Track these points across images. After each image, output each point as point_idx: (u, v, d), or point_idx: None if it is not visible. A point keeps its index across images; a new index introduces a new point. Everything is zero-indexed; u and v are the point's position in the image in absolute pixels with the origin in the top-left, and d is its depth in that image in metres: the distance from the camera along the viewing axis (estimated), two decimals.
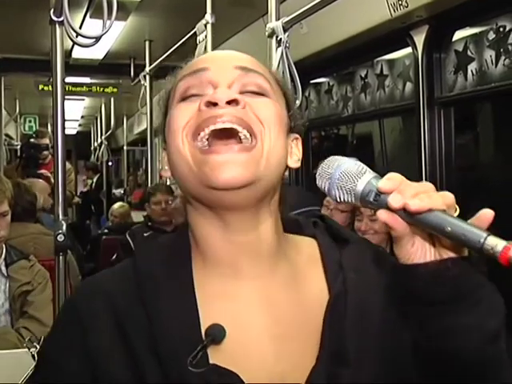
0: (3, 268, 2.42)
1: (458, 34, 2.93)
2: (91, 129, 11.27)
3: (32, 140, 5.37)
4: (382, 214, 0.69)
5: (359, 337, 0.76)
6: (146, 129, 7.72)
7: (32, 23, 4.30)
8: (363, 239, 0.93)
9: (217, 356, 0.74)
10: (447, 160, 3.01)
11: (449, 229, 0.67)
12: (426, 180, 3.00)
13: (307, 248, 0.86)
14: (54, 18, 2.06)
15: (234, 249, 0.79)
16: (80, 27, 3.62)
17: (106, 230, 6.20)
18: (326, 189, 0.75)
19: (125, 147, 9.26)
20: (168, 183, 5.03)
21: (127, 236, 4.07)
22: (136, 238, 4.02)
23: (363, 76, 3.82)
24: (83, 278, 4.40)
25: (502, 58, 2.65)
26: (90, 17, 4.02)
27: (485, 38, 2.75)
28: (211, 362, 0.74)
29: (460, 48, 2.91)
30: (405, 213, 0.69)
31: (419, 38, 3.00)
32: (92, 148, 10.75)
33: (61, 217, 2.10)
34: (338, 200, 0.74)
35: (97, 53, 5.23)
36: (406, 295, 0.73)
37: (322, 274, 0.83)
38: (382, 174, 0.74)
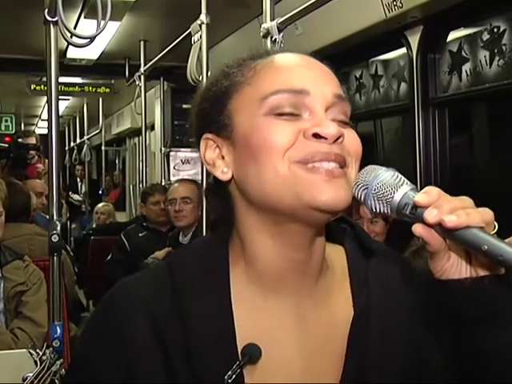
0: None
1: (453, 35, 2.94)
2: (65, 129, 11.06)
3: (20, 140, 5.37)
4: (418, 228, 0.69)
5: (382, 358, 0.77)
6: (133, 128, 7.67)
7: (26, 23, 4.28)
8: (390, 249, 0.92)
9: (251, 374, 0.76)
10: (441, 160, 3.02)
11: (485, 247, 0.66)
12: (420, 180, 3.01)
13: (337, 260, 0.87)
14: (49, 18, 2.05)
15: (286, 265, 0.80)
16: (74, 27, 3.61)
17: (90, 231, 6.16)
18: (362, 198, 0.75)
19: (103, 147, 9.15)
20: (163, 183, 5.03)
21: (122, 236, 4.05)
22: (131, 239, 4.01)
23: (358, 76, 3.82)
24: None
25: (497, 58, 2.66)
26: (85, 17, 4.01)
27: (479, 39, 2.76)
28: (246, 381, 0.75)
29: (454, 48, 2.91)
30: (441, 228, 0.67)
31: (414, 39, 3.00)
32: (66, 148, 10.53)
33: (55, 217, 2.09)
34: (374, 210, 0.74)
35: (91, 53, 5.20)
36: (440, 311, 0.73)
37: (349, 289, 0.84)
38: None
